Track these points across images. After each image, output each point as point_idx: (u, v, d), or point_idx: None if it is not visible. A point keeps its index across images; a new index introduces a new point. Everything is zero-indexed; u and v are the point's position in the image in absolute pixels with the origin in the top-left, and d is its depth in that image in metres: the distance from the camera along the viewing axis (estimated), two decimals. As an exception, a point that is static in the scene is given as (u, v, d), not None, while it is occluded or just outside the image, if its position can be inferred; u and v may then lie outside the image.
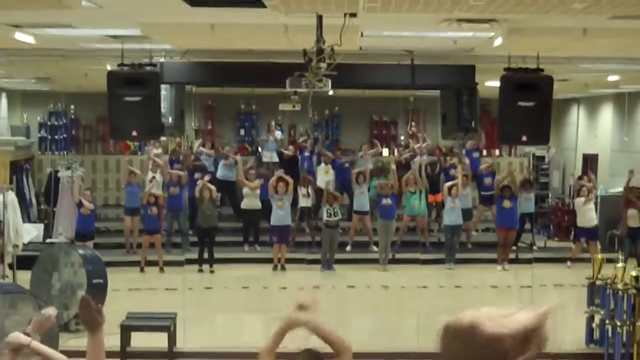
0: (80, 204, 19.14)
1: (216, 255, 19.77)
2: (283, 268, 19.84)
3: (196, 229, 20.24)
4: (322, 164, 22.29)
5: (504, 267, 19.97)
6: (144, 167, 22.60)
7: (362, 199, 20.96)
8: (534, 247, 21.43)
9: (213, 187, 20.21)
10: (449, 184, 20.60)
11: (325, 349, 5.58)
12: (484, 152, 25.56)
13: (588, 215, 20.16)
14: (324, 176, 21.89)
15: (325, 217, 19.89)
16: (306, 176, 21.66)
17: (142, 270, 19.67)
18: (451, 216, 20.28)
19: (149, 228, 19.84)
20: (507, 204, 20.16)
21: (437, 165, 22.68)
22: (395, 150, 25.49)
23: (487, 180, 21.92)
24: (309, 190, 21.06)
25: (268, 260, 19.93)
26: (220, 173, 22.54)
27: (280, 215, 19.84)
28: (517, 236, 21.16)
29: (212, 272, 19.59)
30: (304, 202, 20.97)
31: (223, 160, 22.62)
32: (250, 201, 20.76)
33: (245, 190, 20.79)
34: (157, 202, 20.14)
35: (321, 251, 20.10)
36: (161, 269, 19.59)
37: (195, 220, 20.87)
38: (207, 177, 20.50)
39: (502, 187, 20.86)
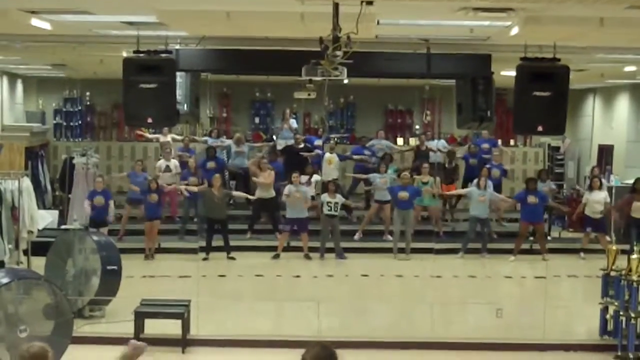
0: (93, 193, 19.21)
1: (230, 243, 19.74)
2: (308, 257, 19.81)
3: (204, 218, 20.21)
4: (327, 154, 22.25)
5: (544, 257, 19.78)
6: (158, 154, 22.64)
7: (384, 190, 20.97)
8: (548, 238, 21.34)
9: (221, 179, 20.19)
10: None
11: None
12: (500, 142, 25.52)
13: (595, 206, 20.11)
14: (328, 167, 21.86)
15: (325, 211, 19.82)
16: (310, 165, 21.67)
17: (147, 257, 19.63)
18: (477, 209, 20.23)
19: (149, 214, 19.79)
20: (532, 199, 19.98)
21: (454, 156, 22.65)
22: (411, 140, 25.36)
23: (495, 172, 21.80)
24: (311, 180, 21.02)
25: (283, 249, 19.92)
26: (232, 161, 22.57)
27: (295, 207, 19.83)
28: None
29: (231, 258, 19.60)
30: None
31: (235, 147, 22.63)
32: (264, 190, 20.78)
33: (258, 179, 20.82)
34: (159, 189, 20.00)
35: (320, 239, 20.06)
36: (152, 256, 19.69)
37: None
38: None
39: (527, 179, 20.84)
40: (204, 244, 19.59)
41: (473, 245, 20.32)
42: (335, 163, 22.14)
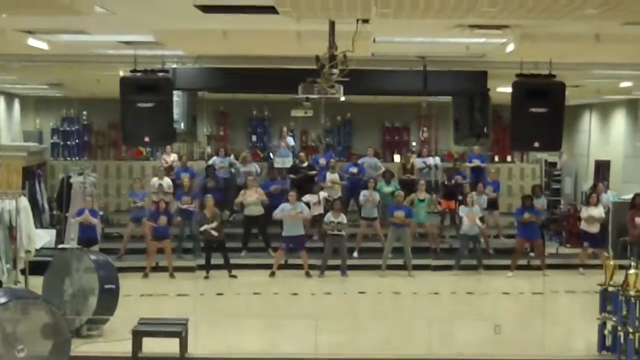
0: (81, 211, 19.19)
1: (229, 261, 19.70)
2: (308, 275, 19.71)
3: (202, 239, 20.19)
4: (329, 173, 22.19)
5: (544, 272, 19.75)
6: (156, 173, 22.62)
7: (369, 206, 20.96)
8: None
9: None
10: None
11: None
12: (496, 158, 25.56)
13: (591, 221, 20.09)
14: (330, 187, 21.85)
15: (328, 230, 19.75)
16: (317, 184, 21.67)
17: (145, 276, 19.49)
18: (467, 226, 20.19)
19: (157, 234, 19.75)
20: (528, 216, 19.99)
21: (452, 172, 22.60)
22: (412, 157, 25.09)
23: (489, 189, 21.68)
24: (320, 198, 21.07)
25: (281, 267, 19.88)
26: (240, 180, 22.51)
27: (292, 224, 19.84)
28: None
29: (233, 276, 19.48)
30: (316, 210, 20.96)
31: (242, 167, 22.63)
32: (252, 209, 20.81)
33: (246, 198, 20.84)
34: (167, 208, 20.04)
35: (322, 257, 20.02)
36: (171, 275, 19.52)
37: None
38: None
39: (523, 196, 20.84)
40: (201, 262, 19.56)
41: (469, 262, 20.30)
42: (337, 180, 22.11)
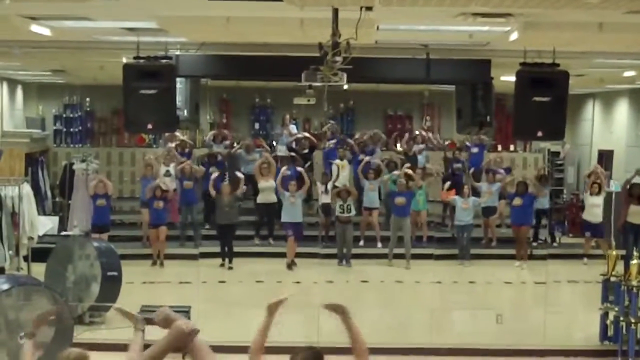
0: (95, 196, 19.14)
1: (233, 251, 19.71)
2: (294, 264, 19.60)
3: (215, 225, 20.22)
4: (338, 160, 22.12)
5: (522, 265, 19.79)
6: (159, 160, 22.57)
7: (371, 195, 20.93)
8: (554, 244, 21.29)
9: (243, 180, 20.14)
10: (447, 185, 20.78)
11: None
12: (499, 148, 25.48)
13: (593, 210, 20.08)
14: (341, 173, 21.77)
15: (337, 212, 19.79)
16: (325, 173, 21.61)
17: (154, 264, 19.57)
18: (460, 216, 20.25)
19: (154, 221, 19.78)
20: (517, 201, 20.05)
21: (451, 161, 22.55)
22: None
23: (499, 177, 21.58)
24: (328, 187, 21.00)
25: (283, 255, 19.83)
26: (244, 168, 22.39)
27: (292, 211, 19.80)
28: (535, 233, 21.17)
29: (230, 268, 19.50)
30: (324, 198, 20.89)
31: (245, 155, 22.53)
32: (266, 195, 20.69)
33: (260, 184, 20.74)
34: (165, 195, 19.99)
35: (337, 246, 20.02)
36: (161, 264, 19.58)
37: (210, 213, 20.88)
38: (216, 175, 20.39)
39: (517, 183, 20.75)
40: (204, 250, 19.51)
41: (473, 251, 20.29)
42: (347, 169, 22.10)
